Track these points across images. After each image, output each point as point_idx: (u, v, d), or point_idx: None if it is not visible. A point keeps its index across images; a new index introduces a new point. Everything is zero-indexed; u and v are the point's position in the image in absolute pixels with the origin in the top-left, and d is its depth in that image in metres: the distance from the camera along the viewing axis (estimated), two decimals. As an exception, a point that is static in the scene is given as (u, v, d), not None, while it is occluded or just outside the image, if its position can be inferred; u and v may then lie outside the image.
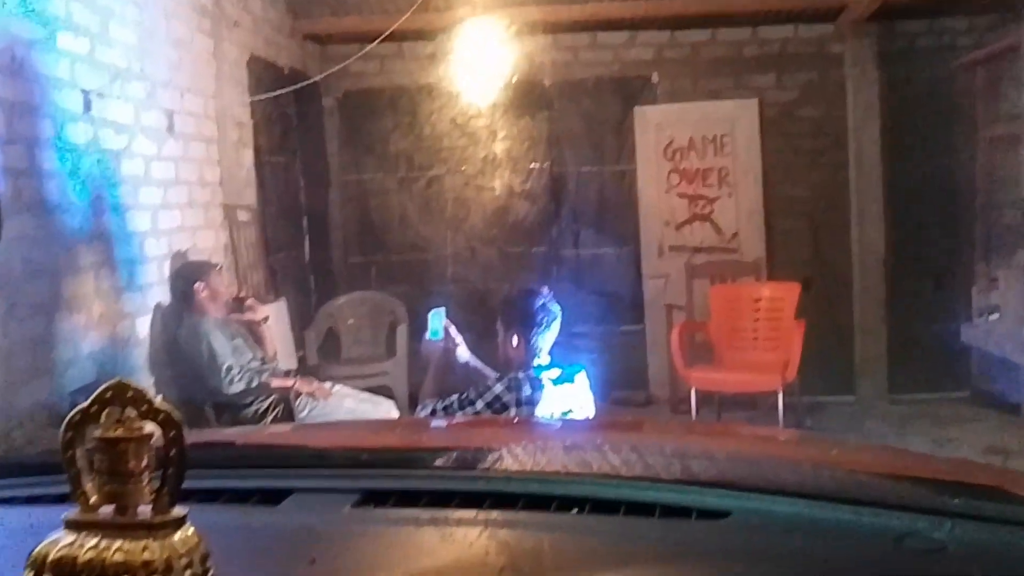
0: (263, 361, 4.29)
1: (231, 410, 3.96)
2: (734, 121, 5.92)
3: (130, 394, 0.72)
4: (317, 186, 6.25)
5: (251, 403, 4.06)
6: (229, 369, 4.00)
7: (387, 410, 4.28)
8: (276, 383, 4.16)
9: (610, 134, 6.18)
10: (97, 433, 0.72)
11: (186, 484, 0.76)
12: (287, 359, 4.95)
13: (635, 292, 6.10)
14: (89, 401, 0.73)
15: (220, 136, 4.93)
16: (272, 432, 1.86)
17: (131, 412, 0.73)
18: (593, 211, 6.29)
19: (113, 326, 3.82)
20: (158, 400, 0.74)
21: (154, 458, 0.75)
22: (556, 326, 2.80)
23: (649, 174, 6.07)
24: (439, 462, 1.11)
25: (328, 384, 4.38)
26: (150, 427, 0.75)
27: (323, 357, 5.67)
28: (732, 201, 5.96)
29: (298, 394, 4.16)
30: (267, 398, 4.10)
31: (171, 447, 0.72)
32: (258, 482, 1.08)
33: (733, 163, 5.93)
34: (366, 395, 4.43)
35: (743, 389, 5.24)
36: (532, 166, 6.23)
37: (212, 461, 1.11)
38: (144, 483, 0.73)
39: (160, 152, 4.31)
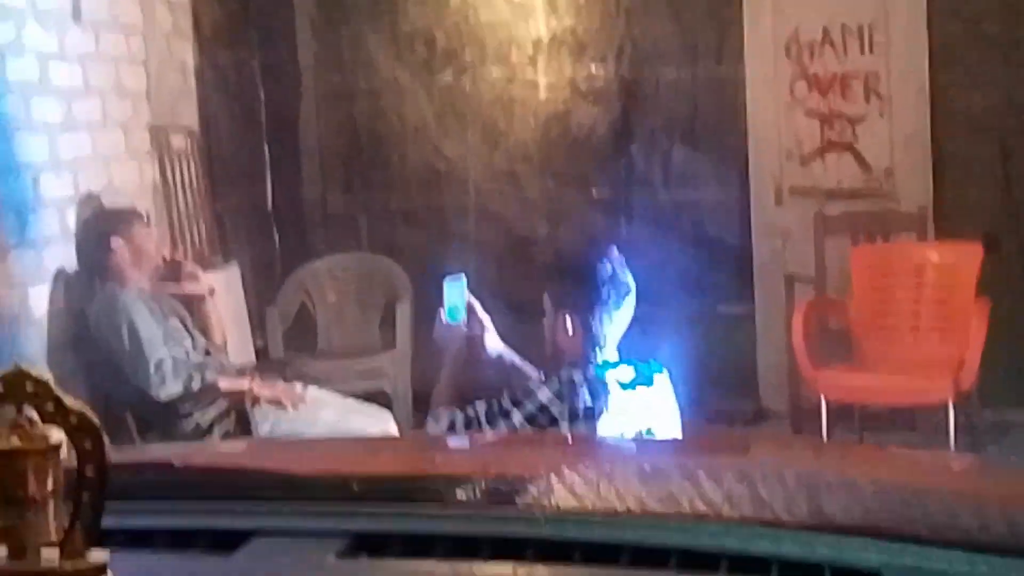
0: (207, 352, 4.34)
1: (162, 420, 4.02)
2: (887, 2, 5.82)
3: (31, 388, 0.74)
4: (283, 95, 6.28)
5: (190, 412, 4.12)
6: (160, 363, 4.06)
7: (383, 424, 4.32)
8: (226, 384, 4.22)
9: (706, 21, 6.11)
10: (-17, 444, 0.74)
11: (107, 521, 0.78)
12: (241, 350, 5.02)
13: (740, 256, 6.06)
14: (-28, 400, 0.75)
15: (146, 23, 4.97)
16: (224, 451, 1.90)
17: (32, 414, 0.75)
18: (680, 136, 6.23)
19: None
20: (70, 399, 0.76)
21: (63, 481, 0.77)
22: (630, 305, 2.81)
23: (763, 81, 5.99)
24: (461, 495, 1.12)
25: (299, 387, 4.43)
26: (57, 435, 0.77)
27: (292, 348, 5.72)
28: (884, 122, 5.87)
29: (256, 400, 4.21)
30: (212, 404, 4.15)
31: (87, 464, 0.74)
32: (206, 520, 1.10)
33: (886, 65, 5.83)
34: (353, 403, 4.48)
35: (898, 400, 5.19)
36: (592, 70, 6.18)
37: (142, 489, 1.14)
38: (49, 515, 0.75)
39: (62, 48, 4.35)
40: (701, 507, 1.04)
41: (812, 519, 1.03)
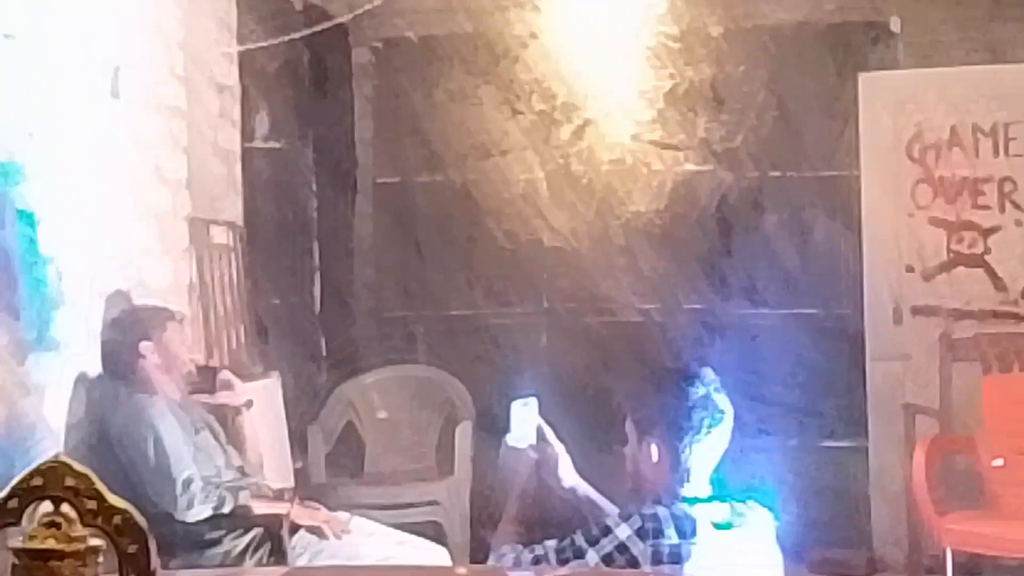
0: (241, 471, 4.36)
1: (188, 546, 4.02)
2: (1029, 98, 5.83)
3: (71, 482, 0.76)
4: (337, 191, 6.38)
5: (221, 538, 4.12)
6: (188, 482, 4.08)
7: (435, 561, 4.30)
8: (261, 508, 4.22)
9: (816, 118, 6.15)
10: (18, 541, 0.76)
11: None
12: (279, 470, 5.03)
13: (852, 383, 6.01)
14: (7, 491, 0.78)
15: (190, 106, 5.08)
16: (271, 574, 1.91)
17: (70, 511, 0.77)
18: (784, 245, 6.23)
19: (7, 406, 3.94)
20: (114, 497, 0.78)
21: (101, 588, 0.78)
22: (724, 433, 2.79)
23: (881, 185, 6.00)
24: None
25: (343, 515, 4.42)
26: (96, 539, 0.79)
27: (336, 471, 5.73)
28: (1022, 232, 5.84)
29: (295, 527, 4.20)
30: (246, 531, 4.15)
31: (131, 570, 0.75)
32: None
33: (1024, 170, 5.82)
34: (403, 536, 4.45)
35: (1034, 553, 5.08)
36: (685, 168, 6.23)
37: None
38: (84, 627, 0.77)
39: (95, 124, 4.45)
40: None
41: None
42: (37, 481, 0.79)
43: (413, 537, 4.46)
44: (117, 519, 0.78)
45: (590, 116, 6.29)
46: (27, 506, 0.79)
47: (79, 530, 0.77)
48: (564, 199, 6.34)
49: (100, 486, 0.78)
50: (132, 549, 0.77)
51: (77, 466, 0.78)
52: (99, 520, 0.78)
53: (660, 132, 6.26)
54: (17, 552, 0.77)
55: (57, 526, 0.78)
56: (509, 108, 6.34)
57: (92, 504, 0.78)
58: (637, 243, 6.30)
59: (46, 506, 0.79)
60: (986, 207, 5.88)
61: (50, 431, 4.16)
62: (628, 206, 6.28)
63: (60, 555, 0.77)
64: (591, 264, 6.35)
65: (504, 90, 6.34)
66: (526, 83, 6.31)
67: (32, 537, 0.78)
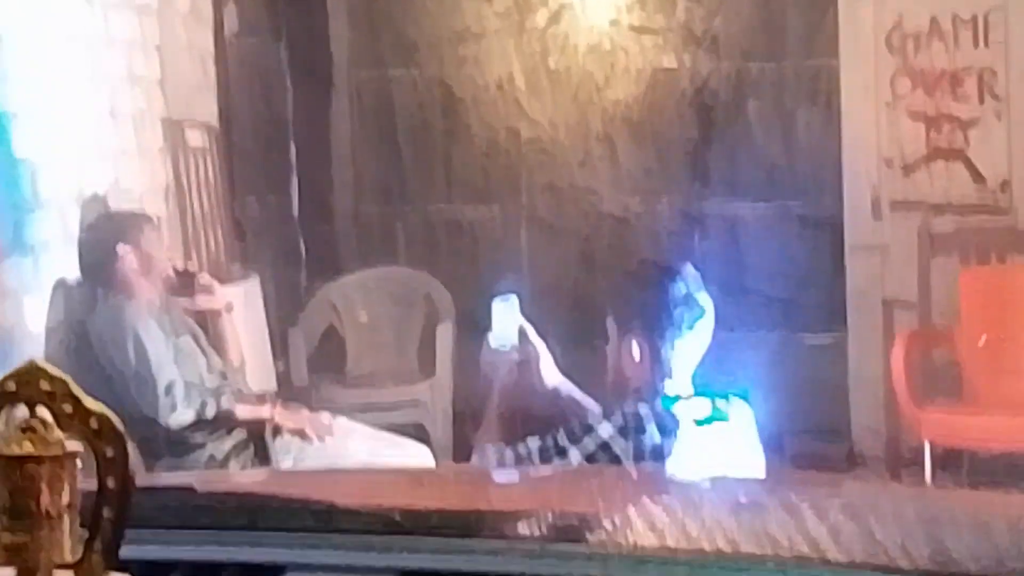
0: (223, 375, 4.36)
1: (172, 451, 4.04)
2: (1009, -11, 5.77)
3: (47, 386, 0.74)
4: (313, 88, 6.31)
5: (204, 441, 4.14)
6: (170, 386, 4.09)
7: (419, 461, 4.32)
8: (244, 411, 4.24)
9: (793, 8, 6.09)
10: (-9, 447, 0.74)
11: (122, 550, 0.78)
12: (261, 373, 5.04)
13: (831, 277, 6.03)
14: (-21, 395, 0.76)
15: (161, 3, 5.02)
16: (250, 478, 1.90)
17: (46, 416, 0.75)
18: (763, 138, 6.21)
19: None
20: (91, 401, 0.76)
21: (80, 494, 0.77)
22: (705, 330, 2.79)
23: (860, 77, 5.96)
24: (523, 529, 1.12)
25: (325, 416, 4.43)
26: (75, 443, 0.77)
27: (318, 372, 5.74)
28: (1002, 126, 5.81)
29: (278, 429, 4.22)
30: (229, 433, 4.17)
31: (109, 475, 0.74)
32: (234, 552, 1.10)
33: (1005, 60, 5.78)
34: (386, 435, 4.48)
35: (1014, 445, 5.13)
36: (663, 63, 6.18)
37: (160, 516, 1.14)
38: (64, 532, 0.75)
39: (67, 25, 4.39)
40: (805, 546, 1.02)
41: (935, 565, 1.01)
42: (11, 386, 0.77)
43: (396, 437, 4.49)
44: (94, 423, 0.76)
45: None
46: (0, 411, 0.76)
47: (56, 435, 0.75)
48: (540, 87, 6.27)
49: (77, 390, 0.76)
50: (110, 453, 0.75)
51: (52, 370, 0.76)
52: (76, 424, 0.76)
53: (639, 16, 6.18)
54: (-8, 459, 0.75)
55: (33, 430, 0.76)
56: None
57: (68, 408, 0.76)
58: (616, 133, 6.26)
59: (22, 411, 0.77)
60: (965, 99, 5.85)
61: (29, 335, 4.16)
62: (606, 93, 6.23)
63: (38, 460, 0.75)
64: (569, 155, 6.32)
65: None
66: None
67: (8, 442, 0.76)
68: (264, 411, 4.26)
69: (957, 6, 5.81)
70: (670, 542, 1.07)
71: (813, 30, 6.11)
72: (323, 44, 6.41)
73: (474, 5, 6.30)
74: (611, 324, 2.83)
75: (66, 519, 0.75)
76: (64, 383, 0.77)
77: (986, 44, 5.82)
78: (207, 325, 4.47)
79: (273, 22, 6.14)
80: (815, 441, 5.76)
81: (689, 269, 2.82)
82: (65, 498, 0.75)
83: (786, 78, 6.19)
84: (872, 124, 5.96)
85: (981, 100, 5.84)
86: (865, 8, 5.91)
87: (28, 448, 0.74)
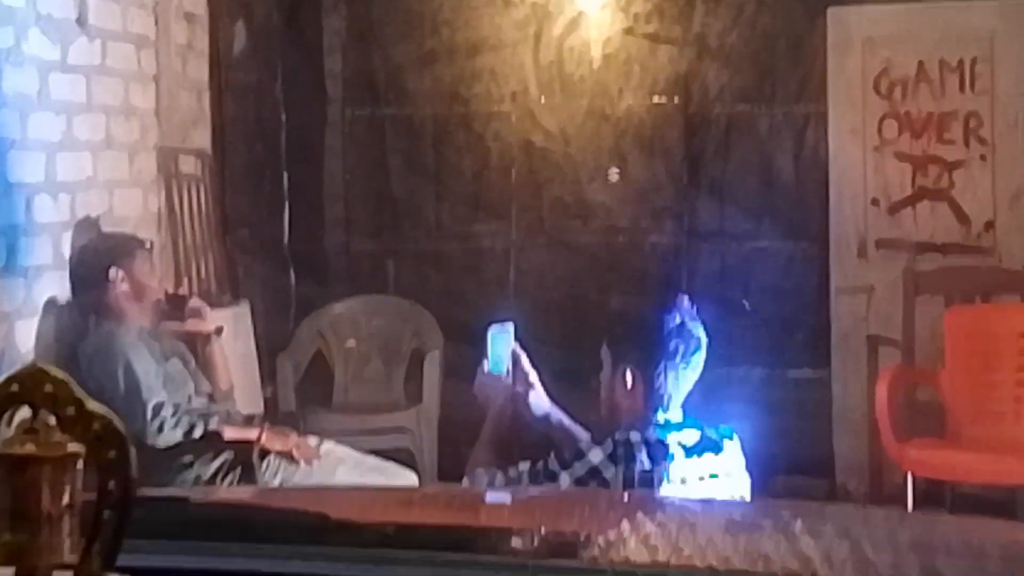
0: (211, 398, 4.35)
1: (159, 472, 4.02)
2: (994, 36, 5.81)
3: (50, 388, 0.74)
4: (308, 124, 6.33)
5: (191, 463, 4.13)
6: (158, 408, 4.08)
7: (406, 484, 4.31)
8: (231, 434, 4.23)
9: (785, 53, 6.13)
10: (-5, 447, 0.74)
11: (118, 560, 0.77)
12: (249, 398, 5.03)
13: (817, 315, 6.04)
14: (-15, 396, 0.75)
15: (159, 36, 5.04)
16: (243, 493, 1.90)
17: (49, 419, 0.75)
18: (752, 179, 6.23)
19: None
20: (93, 403, 0.76)
21: (80, 495, 0.76)
22: (699, 363, 2.79)
23: (848, 120, 5.99)
24: (517, 544, 1.11)
25: (312, 440, 4.42)
26: (76, 445, 0.77)
27: (305, 399, 5.73)
28: (986, 169, 5.85)
29: (265, 452, 4.21)
30: (216, 456, 4.16)
31: (110, 478, 0.73)
32: (226, 562, 1.09)
33: (991, 106, 5.82)
34: (373, 460, 4.47)
35: (995, 480, 5.14)
36: (656, 100, 6.21)
37: (154, 526, 1.13)
38: (63, 533, 0.75)
39: (65, 58, 4.41)
40: (796, 565, 1.02)
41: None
42: (14, 388, 0.76)
43: (383, 462, 4.48)
44: (96, 426, 0.75)
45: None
46: (4, 412, 0.76)
47: (58, 436, 0.75)
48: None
49: (79, 392, 0.76)
50: (112, 456, 0.75)
51: (56, 372, 0.75)
52: (78, 427, 0.76)
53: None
54: (-6, 459, 0.75)
55: (36, 432, 0.75)
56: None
57: (71, 410, 0.75)
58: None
59: (24, 413, 0.76)
60: (951, 142, 5.88)
61: (21, 358, 4.15)
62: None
63: (40, 461, 0.75)
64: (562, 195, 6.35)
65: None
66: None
67: (11, 443, 0.75)
68: (252, 433, 4.25)
69: (944, 52, 5.85)
70: (663, 558, 1.07)
71: (803, 75, 6.14)
72: (318, 80, 6.43)
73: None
74: (605, 353, 2.84)
75: (67, 520, 0.75)
76: (67, 386, 0.77)
77: (972, 89, 5.86)
78: (196, 349, 4.47)
79: (269, 57, 6.16)
80: (799, 475, 5.76)
81: (684, 301, 2.83)
82: (66, 499, 0.75)
83: (775, 121, 6.22)
84: (859, 166, 5.99)
85: (967, 143, 5.88)
86: (854, 53, 5.95)
87: (30, 449, 0.74)
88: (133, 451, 0.77)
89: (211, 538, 1.17)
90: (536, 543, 1.12)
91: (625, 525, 1.13)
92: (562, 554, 1.10)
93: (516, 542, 1.11)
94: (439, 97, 6.38)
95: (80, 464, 0.77)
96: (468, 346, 3.01)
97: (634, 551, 1.09)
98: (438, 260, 6.44)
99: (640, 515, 1.28)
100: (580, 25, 6.19)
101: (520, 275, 6.37)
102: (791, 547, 1.06)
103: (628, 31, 6.17)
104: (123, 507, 0.76)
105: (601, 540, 1.10)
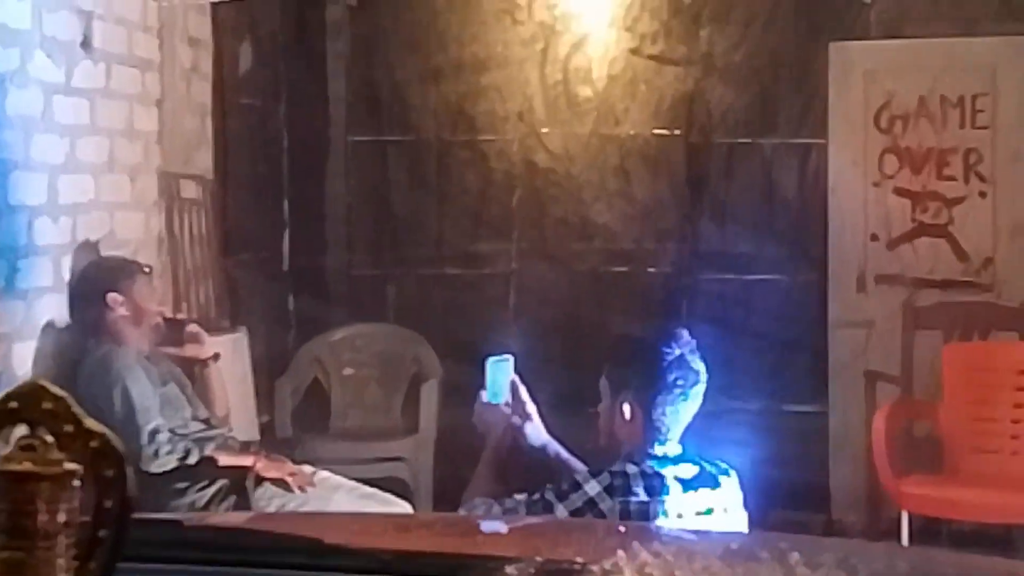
0: (208, 423, 4.34)
1: (153, 497, 4.00)
2: (996, 71, 5.83)
3: (48, 405, 0.74)
4: (310, 149, 6.34)
5: (185, 489, 4.11)
6: (155, 433, 4.06)
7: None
8: (226, 460, 4.21)
9: (787, 86, 6.15)
10: (-8, 464, 0.74)
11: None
12: (245, 424, 5.01)
13: (815, 349, 6.04)
14: (-18, 413, 0.75)
15: (164, 60, 5.05)
16: (237, 518, 1.89)
17: (47, 436, 0.75)
18: (751, 211, 6.24)
19: (-25, 355, 3.92)
20: (92, 421, 0.76)
21: (77, 513, 0.76)
22: (697, 396, 2.79)
23: (848, 154, 6.00)
24: (512, 572, 1.11)
25: (308, 469, 4.41)
26: (73, 464, 0.77)
27: (302, 426, 5.71)
28: (986, 205, 5.86)
29: (260, 480, 4.19)
30: (212, 483, 4.14)
31: (108, 496, 0.73)
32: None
33: (991, 142, 5.83)
34: (368, 490, 4.45)
35: (992, 517, 5.12)
36: (656, 132, 6.22)
37: (147, 549, 1.13)
38: (60, 551, 0.75)
39: (70, 80, 4.42)
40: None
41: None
42: (13, 404, 0.76)
43: (378, 492, 4.46)
44: (95, 443, 0.75)
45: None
46: (2, 429, 0.76)
47: (57, 454, 0.75)
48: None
49: (78, 410, 0.76)
50: (109, 473, 0.75)
51: (54, 389, 0.75)
52: (76, 444, 0.76)
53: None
54: (-9, 476, 0.75)
55: (34, 449, 0.75)
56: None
57: (69, 428, 0.75)
58: (614, 209, 6.30)
59: (21, 430, 0.76)
60: (951, 178, 5.90)
61: (17, 380, 4.14)
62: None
63: (37, 478, 0.75)
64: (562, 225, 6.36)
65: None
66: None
67: (8, 460, 0.75)
68: (247, 460, 4.24)
69: (945, 88, 5.88)
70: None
71: (805, 106, 6.16)
72: (321, 106, 6.45)
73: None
74: (604, 384, 2.84)
75: (63, 538, 0.75)
76: (66, 403, 0.77)
77: (972, 125, 5.88)
78: (193, 374, 4.46)
79: (273, 80, 6.18)
80: (795, 511, 5.74)
81: (684, 335, 2.83)
82: (63, 517, 0.74)
83: (775, 154, 6.24)
84: (860, 200, 6.00)
85: (966, 179, 5.90)
86: (855, 88, 5.97)
87: (28, 466, 0.74)
88: (131, 470, 0.77)
89: (205, 562, 1.16)
90: (533, 571, 1.12)
91: (621, 554, 1.13)
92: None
93: (512, 570, 1.11)
94: (443, 116, 6.39)
95: (77, 482, 0.77)
96: (468, 369, 3.00)
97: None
98: (439, 283, 6.44)
99: (636, 544, 1.28)
100: (586, 44, 6.21)
101: (520, 297, 6.37)
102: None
103: (634, 51, 6.20)
104: (120, 526, 0.75)
105: (597, 569, 1.09)
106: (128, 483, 0.76)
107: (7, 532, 0.76)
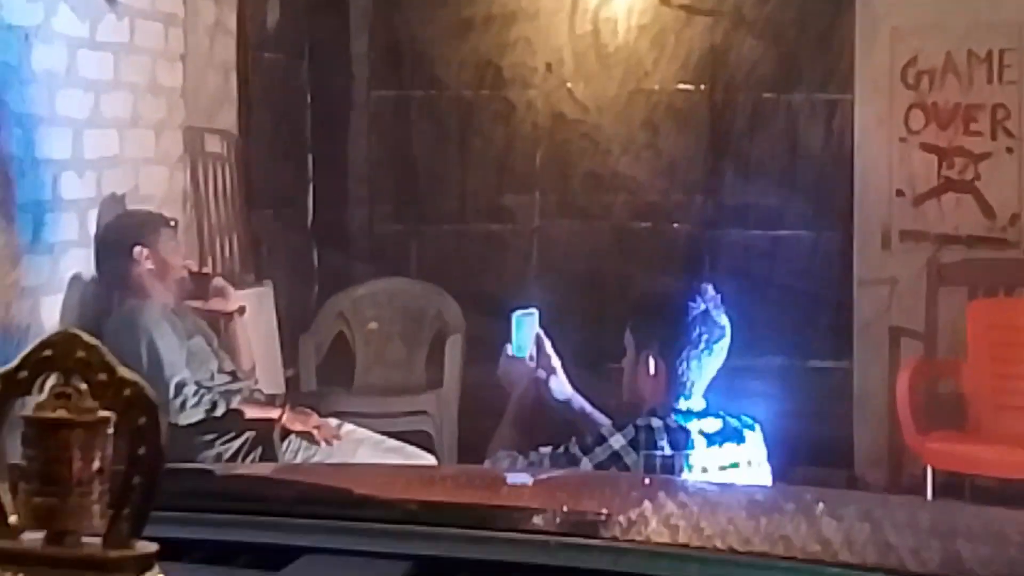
0: (234, 376, 4.37)
1: (180, 450, 4.04)
2: (1023, 27, 5.78)
3: (81, 354, 0.75)
4: (333, 105, 6.34)
5: (212, 442, 4.15)
6: (181, 385, 4.10)
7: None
8: (253, 413, 4.25)
9: (811, 41, 6.11)
10: (26, 411, 0.75)
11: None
12: (270, 378, 5.05)
13: (839, 305, 6.03)
14: (17, 362, 0.76)
15: (187, 15, 5.05)
16: (266, 468, 1.91)
17: (80, 384, 0.76)
18: (777, 167, 6.22)
19: (2, 309, 3.94)
20: (125, 370, 0.76)
21: (110, 461, 0.77)
22: (722, 351, 2.80)
23: (874, 110, 5.97)
24: (538, 522, 1.12)
25: (333, 421, 4.44)
26: (107, 411, 0.77)
27: (327, 380, 5.75)
28: (1013, 161, 5.83)
29: (286, 433, 4.23)
30: (238, 435, 4.18)
31: (141, 444, 0.74)
32: (251, 534, 1.10)
33: (1019, 97, 5.80)
34: (393, 443, 4.49)
35: (1016, 473, 5.12)
36: (679, 87, 6.20)
37: (178, 498, 1.14)
38: (94, 498, 0.76)
39: (94, 35, 4.43)
40: (817, 549, 1.02)
41: (946, 570, 1.01)
42: (47, 352, 0.77)
43: (403, 444, 4.49)
44: (128, 391, 0.76)
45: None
46: (36, 377, 0.77)
47: (89, 402, 0.76)
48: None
49: (111, 358, 0.76)
50: (143, 422, 0.75)
51: (87, 338, 0.76)
52: (109, 393, 0.76)
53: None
54: (28, 421, 0.76)
55: (67, 397, 0.76)
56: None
57: (102, 376, 0.76)
58: (640, 166, 6.28)
59: (55, 380, 0.77)
60: (978, 134, 5.86)
61: (45, 333, 4.17)
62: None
63: (71, 425, 0.76)
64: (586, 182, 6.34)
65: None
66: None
67: (42, 407, 0.76)
68: (273, 413, 4.28)
69: (972, 43, 5.83)
70: (684, 539, 1.07)
71: (829, 65, 6.12)
72: (344, 62, 6.44)
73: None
74: (629, 339, 2.84)
75: (96, 486, 0.76)
76: (99, 352, 0.77)
77: (1000, 81, 5.84)
78: (219, 327, 4.49)
79: (296, 39, 6.17)
80: (818, 466, 5.75)
81: (709, 290, 2.83)
82: (96, 465, 0.75)
83: (800, 110, 6.21)
84: (885, 156, 5.97)
85: (993, 136, 5.85)
86: (882, 44, 5.93)
87: (62, 414, 0.74)
88: (164, 418, 0.78)
89: (235, 511, 1.18)
90: (558, 521, 1.13)
91: (647, 505, 1.14)
92: (583, 533, 1.11)
93: (538, 520, 1.12)
94: (469, 70, 6.37)
95: (111, 429, 0.78)
96: (492, 324, 3.00)
97: (655, 531, 1.09)
98: (463, 238, 6.45)
99: (661, 496, 1.29)
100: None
101: (544, 252, 6.38)
102: (812, 530, 1.06)
103: (664, 1, 6.16)
104: (152, 474, 0.76)
105: (623, 520, 1.10)
106: (161, 431, 0.77)
107: (41, 479, 0.76)
